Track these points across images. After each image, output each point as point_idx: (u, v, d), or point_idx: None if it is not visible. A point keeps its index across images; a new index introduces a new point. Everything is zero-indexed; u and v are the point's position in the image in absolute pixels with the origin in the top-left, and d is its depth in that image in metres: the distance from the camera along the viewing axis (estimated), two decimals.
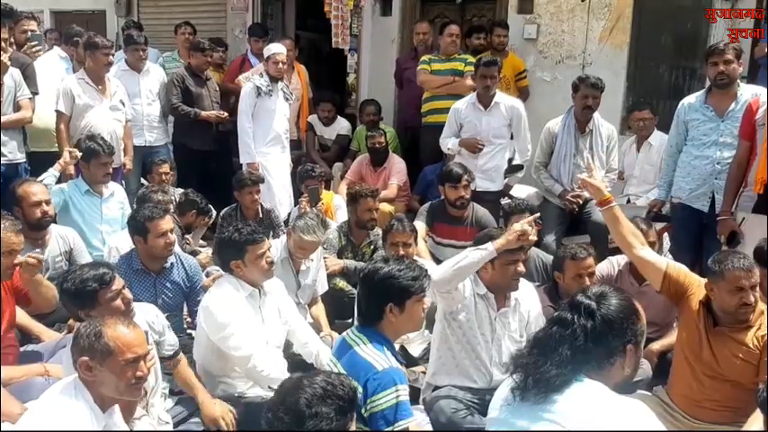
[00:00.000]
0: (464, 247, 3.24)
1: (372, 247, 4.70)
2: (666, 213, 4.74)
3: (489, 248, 3.01)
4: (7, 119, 4.55)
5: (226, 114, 6.25)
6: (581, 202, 4.94)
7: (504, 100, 5.30)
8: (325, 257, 4.43)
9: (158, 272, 3.71)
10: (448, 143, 5.39)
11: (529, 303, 3.34)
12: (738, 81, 4.33)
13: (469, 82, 5.73)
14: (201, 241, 5.34)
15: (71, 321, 3.52)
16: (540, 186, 5.30)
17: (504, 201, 5.17)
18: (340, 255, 4.67)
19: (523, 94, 6.41)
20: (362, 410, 2.36)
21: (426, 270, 2.68)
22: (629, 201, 5.55)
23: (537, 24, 6.56)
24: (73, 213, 4.48)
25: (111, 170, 4.68)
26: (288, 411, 1.83)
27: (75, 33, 6.13)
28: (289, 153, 6.01)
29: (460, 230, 4.76)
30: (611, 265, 3.99)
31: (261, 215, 5.15)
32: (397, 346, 2.73)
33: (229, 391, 3.19)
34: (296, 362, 3.42)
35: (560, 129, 5.00)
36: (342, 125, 6.98)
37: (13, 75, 4.58)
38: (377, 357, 2.44)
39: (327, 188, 5.96)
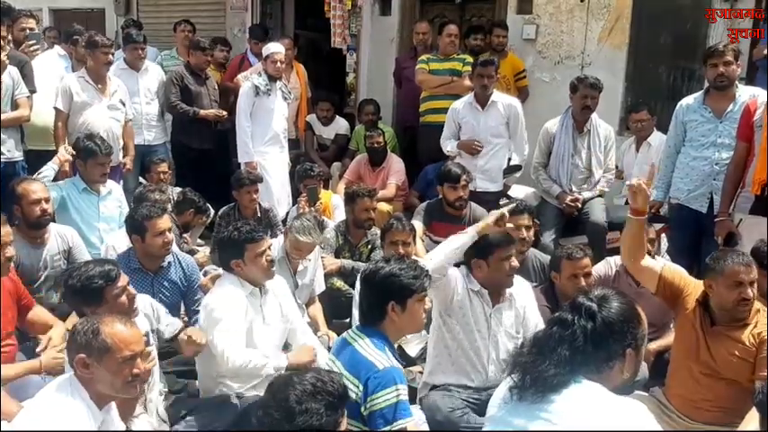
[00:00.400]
0: None
1: (370, 246, 4.70)
2: (664, 214, 4.74)
3: (470, 232, 3.13)
4: (5, 117, 4.55)
5: (224, 113, 6.25)
6: (579, 205, 4.95)
7: (502, 99, 5.30)
8: (322, 257, 4.43)
9: (156, 271, 3.71)
10: (447, 145, 5.39)
11: (524, 299, 3.36)
12: (737, 82, 4.33)
13: (467, 82, 5.73)
14: (199, 240, 5.35)
15: (68, 323, 3.53)
16: (538, 187, 5.30)
17: (502, 201, 5.17)
18: (337, 254, 4.67)
19: (523, 94, 6.41)
20: (362, 408, 2.39)
21: (427, 270, 2.71)
22: (627, 202, 5.54)
23: (536, 25, 6.56)
24: (71, 211, 4.48)
25: (108, 170, 4.68)
26: (278, 408, 1.86)
27: (74, 32, 6.13)
28: (287, 152, 6.01)
29: (458, 229, 4.72)
30: (608, 266, 3.99)
31: (259, 214, 5.14)
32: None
33: (227, 391, 3.19)
34: None
35: (558, 129, 5.01)
36: (340, 125, 6.98)
37: (12, 73, 4.58)
38: (378, 356, 2.46)
39: (326, 187, 5.96)
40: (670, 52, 6.03)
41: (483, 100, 5.25)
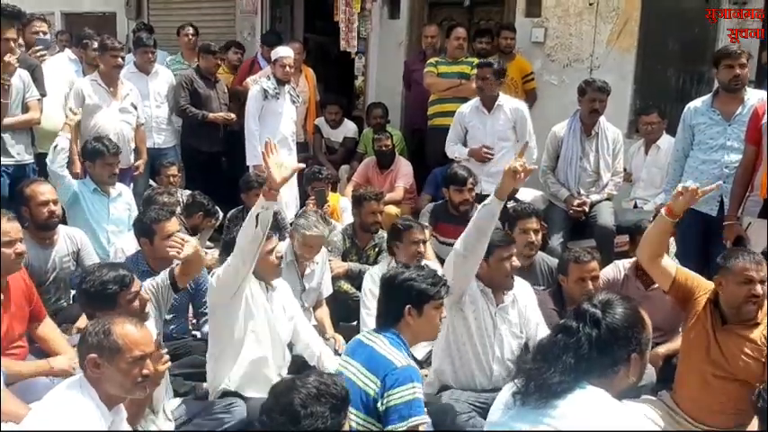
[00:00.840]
0: None
1: (377, 249, 4.70)
2: None
3: (492, 198, 2.98)
4: (15, 120, 4.59)
5: (233, 116, 6.27)
6: (586, 209, 4.94)
7: (508, 102, 5.29)
8: (329, 260, 4.44)
9: None
10: (455, 151, 5.38)
11: (525, 299, 3.40)
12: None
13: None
14: (208, 243, 5.36)
15: (79, 324, 3.55)
16: (545, 190, 5.29)
17: (510, 204, 5.16)
18: (344, 257, 4.68)
19: (531, 96, 6.41)
20: (379, 404, 2.47)
21: (446, 279, 2.78)
22: (635, 205, 5.53)
23: (544, 28, 6.55)
24: (82, 208, 4.52)
25: (117, 170, 4.71)
26: (283, 412, 1.88)
27: (84, 36, 6.18)
28: (295, 155, 6.01)
29: (464, 229, 4.75)
30: (616, 269, 3.98)
31: None
32: None
33: (233, 388, 3.20)
34: (298, 363, 3.43)
35: (566, 132, 5.00)
36: (348, 128, 6.99)
37: (22, 76, 4.61)
38: (396, 355, 2.56)
39: (334, 190, 5.97)
40: (679, 55, 6.02)
41: (489, 103, 5.25)
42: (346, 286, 4.49)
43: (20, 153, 4.67)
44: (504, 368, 3.26)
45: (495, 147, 5.24)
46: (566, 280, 3.67)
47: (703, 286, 3.06)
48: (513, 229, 4.12)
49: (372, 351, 2.60)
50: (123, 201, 4.76)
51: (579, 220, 4.97)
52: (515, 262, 3.27)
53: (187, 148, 6.35)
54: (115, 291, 2.72)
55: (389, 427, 2.45)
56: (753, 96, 4.24)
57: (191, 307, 4.00)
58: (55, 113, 5.09)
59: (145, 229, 3.68)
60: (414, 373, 2.53)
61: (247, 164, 5.77)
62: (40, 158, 4.81)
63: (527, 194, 5.55)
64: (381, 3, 7.50)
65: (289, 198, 5.82)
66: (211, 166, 6.27)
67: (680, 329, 3.65)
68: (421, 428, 2.47)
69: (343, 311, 4.43)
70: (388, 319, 2.69)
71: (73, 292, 3.92)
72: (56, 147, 4.49)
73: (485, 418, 2.88)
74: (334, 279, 4.43)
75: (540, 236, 4.27)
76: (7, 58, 4.35)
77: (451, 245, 4.72)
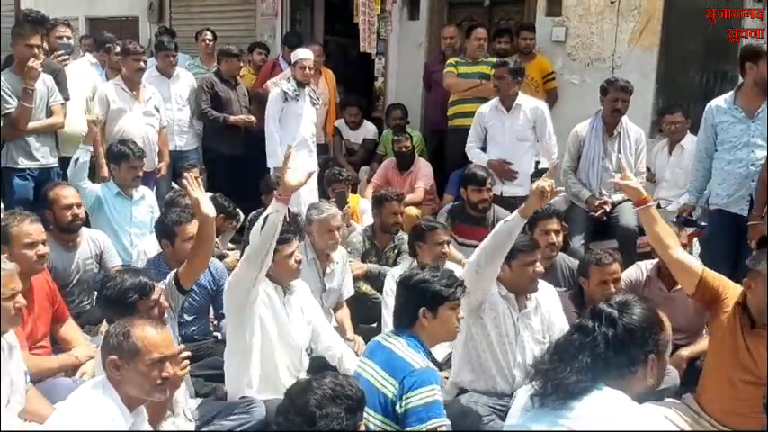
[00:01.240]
0: None
1: (396, 251, 4.69)
2: (697, 218, 4.66)
3: (515, 215, 2.98)
4: (39, 124, 4.67)
5: (253, 119, 6.31)
6: (608, 209, 4.89)
7: (527, 102, 5.26)
8: (349, 260, 4.44)
9: None
10: (476, 155, 5.33)
11: (549, 304, 3.36)
12: None
13: None
14: (229, 244, 5.38)
15: (102, 326, 3.59)
16: (567, 190, 5.24)
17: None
18: (364, 258, 4.68)
19: (552, 96, 6.36)
20: (397, 406, 2.46)
21: (462, 280, 2.75)
22: (659, 206, 5.45)
23: (565, 27, 6.50)
24: (105, 212, 4.57)
25: (141, 173, 4.76)
26: (299, 413, 1.89)
27: (106, 40, 6.27)
28: (316, 157, 6.03)
29: (482, 231, 4.71)
30: (639, 271, 3.93)
31: (287, 219, 5.16)
32: None
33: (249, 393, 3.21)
34: (319, 365, 3.44)
35: (588, 132, 4.96)
36: (368, 129, 7.00)
37: (46, 81, 4.68)
38: (414, 357, 2.54)
39: (354, 192, 5.98)
40: (702, 54, 5.94)
41: (508, 103, 5.22)
42: (366, 287, 4.49)
43: (45, 156, 4.75)
44: (526, 374, 3.22)
45: (513, 146, 5.22)
46: (587, 282, 3.63)
47: (731, 287, 3.01)
48: (534, 230, 4.07)
49: (391, 353, 2.59)
50: (146, 203, 4.80)
51: (601, 220, 4.92)
52: (539, 267, 3.22)
53: (208, 151, 6.40)
54: (135, 299, 2.74)
55: (408, 429, 2.44)
56: None
57: (211, 308, 4.01)
58: (75, 117, 5.15)
59: (166, 231, 3.71)
60: (432, 375, 2.52)
61: (267, 166, 5.79)
62: (64, 162, 4.88)
63: None
64: (401, 4, 7.51)
65: (309, 200, 5.83)
66: (232, 169, 6.31)
67: (703, 332, 3.61)
68: (440, 430, 2.46)
69: (363, 313, 4.43)
70: (404, 320, 2.68)
71: (96, 294, 3.96)
72: (77, 160, 4.52)
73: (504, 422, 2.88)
74: (354, 280, 4.42)
75: (561, 237, 4.23)
76: (31, 63, 4.42)
77: (469, 245, 4.77)
